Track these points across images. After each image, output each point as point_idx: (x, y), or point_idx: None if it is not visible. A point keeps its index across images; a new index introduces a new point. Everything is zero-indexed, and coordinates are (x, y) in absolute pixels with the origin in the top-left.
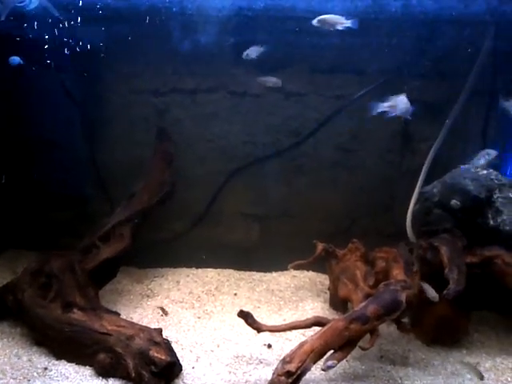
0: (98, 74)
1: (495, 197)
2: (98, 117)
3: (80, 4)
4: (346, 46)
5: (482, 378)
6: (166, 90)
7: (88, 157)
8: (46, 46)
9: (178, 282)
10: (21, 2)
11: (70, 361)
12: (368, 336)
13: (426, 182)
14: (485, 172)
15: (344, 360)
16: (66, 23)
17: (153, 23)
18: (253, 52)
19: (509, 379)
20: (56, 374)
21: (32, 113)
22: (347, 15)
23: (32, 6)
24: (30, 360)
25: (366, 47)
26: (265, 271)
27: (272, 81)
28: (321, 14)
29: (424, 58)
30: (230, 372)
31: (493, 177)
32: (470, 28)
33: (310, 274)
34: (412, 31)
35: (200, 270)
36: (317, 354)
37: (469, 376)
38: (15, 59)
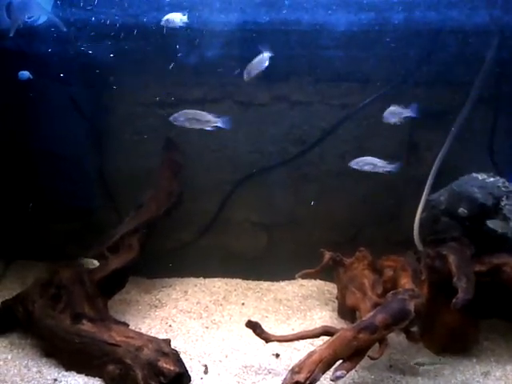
0: (106, 86)
1: (503, 204)
2: (106, 128)
3: (88, 20)
4: (351, 56)
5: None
6: (173, 101)
7: (96, 168)
8: (55, 61)
9: (185, 292)
10: (29, 18)
11: (79, 372)
12: (377, 345)
13: (432, 189)
14: (492, 179)
15: (353, 370)
16: (73, 38)
17: (160, 37)
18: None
19: None
20: None
21: (40, 125)
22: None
23: (40, 22)
24: (39, 371)
25: (370, 57)
26: (272, 280)
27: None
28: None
29: (428, 67)
30: (238, 382)
31: (500, 184)
32: (474, 38)
33: (318, 282)
34: (416, 41)
35: (207, 280)
36: (325, 364)
37: None
38: (24, 74)
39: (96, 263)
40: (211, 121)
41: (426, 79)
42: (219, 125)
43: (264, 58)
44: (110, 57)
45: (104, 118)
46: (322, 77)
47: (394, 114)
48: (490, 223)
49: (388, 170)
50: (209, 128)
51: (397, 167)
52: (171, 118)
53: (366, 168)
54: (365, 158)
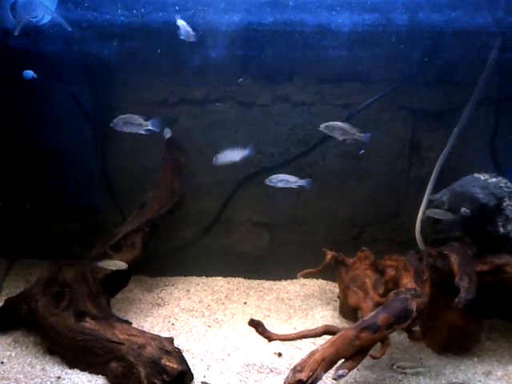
0: (109, 86)
1: (505, 204)
2: (109, 127)
3: (92, 20)
4: (354, 56)
5: None
6: (176, 101)
7: (99, 167)
8: (59, 60)
9: (188, 290)
10: (34, 18)
11: (82, 370)
12: (379, 345)
13: (434, 189)
14: (494, 180)
15: (355, 369)
16: (78, 38)
17: (164, 37)
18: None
19: None
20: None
21: (44, 124)
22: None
23: (45, 21)
24: (43, 369)
25: (373, 58)
26: (274, 279)
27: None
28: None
29: (431, 67)
30: (240, 381)
31: (502, 185)
32: (476, 38)
33: (320, 282)
34: (418, 42)
35: (210, 279)
36: (328, 363)
37: None
38: (29, 73)
39: (122, 264)
40: (142, 124)
41: (428, 79)
42: (150, 127)
43: (239, 153)
44: (113, 56)
45: (107, 117)
46: (324, 77)
47: (333, 129)
48: (430, 212)
49: (299, 184)
50: (142, 132)
51: (307, 182)
52: (111, 125)
53: (280, 185)
54: (277, 175)
